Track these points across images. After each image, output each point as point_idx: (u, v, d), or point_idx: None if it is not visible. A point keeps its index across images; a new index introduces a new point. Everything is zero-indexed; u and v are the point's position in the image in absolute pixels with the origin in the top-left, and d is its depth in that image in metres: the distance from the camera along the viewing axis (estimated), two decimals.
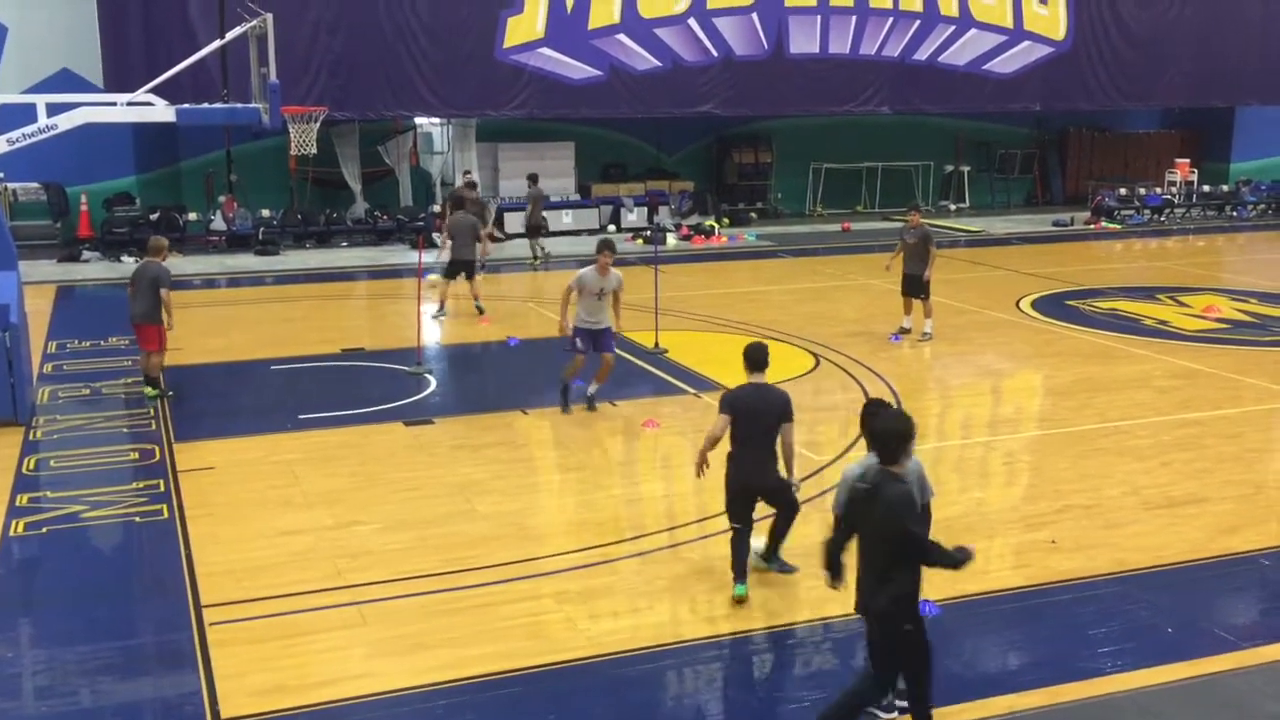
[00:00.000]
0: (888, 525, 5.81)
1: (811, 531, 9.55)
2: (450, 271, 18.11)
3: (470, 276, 18.05)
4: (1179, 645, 7.51)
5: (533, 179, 24.02)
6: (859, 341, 16.08)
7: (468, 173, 24.47)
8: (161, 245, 13.46)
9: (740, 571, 8.08)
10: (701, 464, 8.22)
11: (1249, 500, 10.11)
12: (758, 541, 8.35)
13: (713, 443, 8.09)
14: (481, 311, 17.96)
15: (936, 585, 8.26)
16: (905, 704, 6.71)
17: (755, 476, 8.02)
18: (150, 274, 13.03)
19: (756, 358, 8.20)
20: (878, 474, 5.93)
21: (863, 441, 6.90)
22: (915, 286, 16.09)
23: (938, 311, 16.66)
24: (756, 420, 7.96)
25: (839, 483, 6.75)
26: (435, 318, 17.73)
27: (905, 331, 16.35)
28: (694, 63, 26.64)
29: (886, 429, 5.99)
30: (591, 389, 12.84)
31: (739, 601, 8.02)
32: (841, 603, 7.39)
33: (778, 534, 8.38)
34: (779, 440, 8.04)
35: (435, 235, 25.40)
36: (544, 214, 24.24)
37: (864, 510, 5.94)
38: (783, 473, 8.18)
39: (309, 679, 7.07)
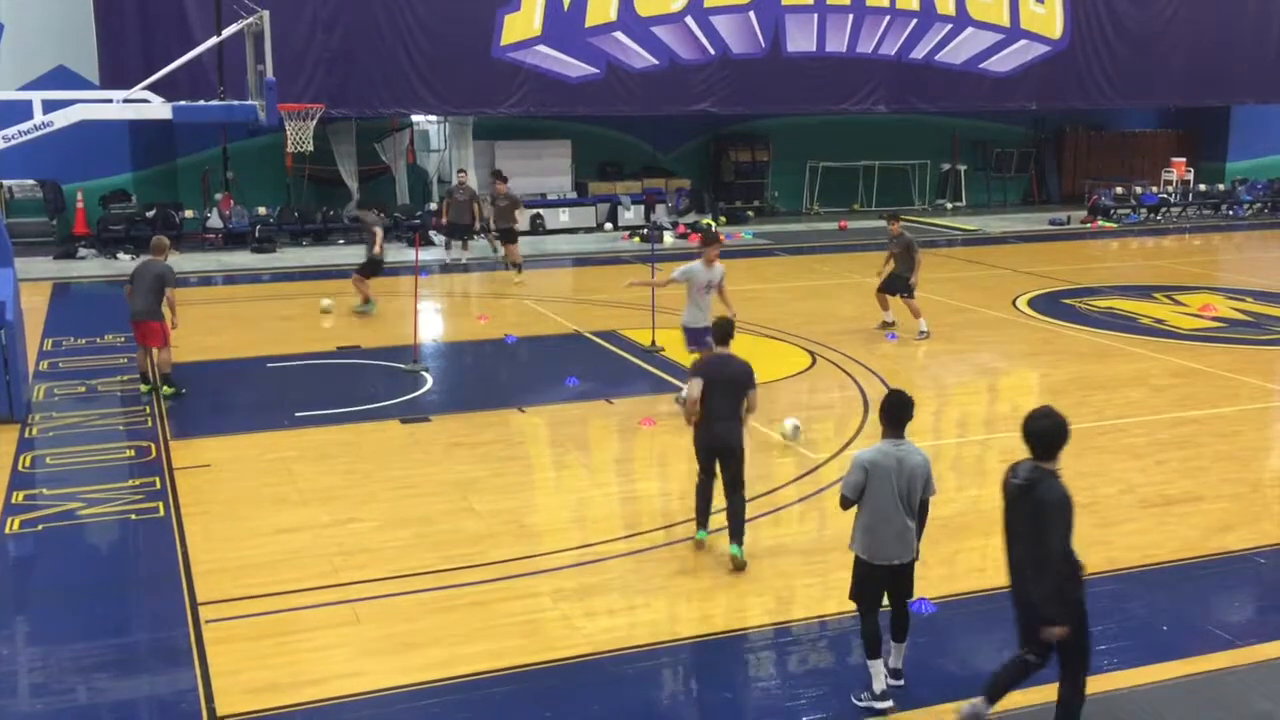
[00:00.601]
0: (1039, 521, 5.98)
1: (809, 529, 9.58)
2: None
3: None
4: (1174, 643, 7.52)
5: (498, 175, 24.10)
6: (855, 340, 16.09)
7: (461, 171, 24.44)
8: (164, 244, 13.53)
9: (702, 519, 8.89)
10: (691, 420, 8.79)
11: (1244, 499, 10.12)
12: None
13: (694, 405, 8.68)
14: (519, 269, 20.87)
15: (931, 583, 8.29)
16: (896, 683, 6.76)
17: (721, 437, 8.69)
18: (155, 271, 13.07)
19: (723, 332, 9.08)
20: (1033, 470, 6.09)
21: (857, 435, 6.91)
22: (897, 285, 16.35)
23: (935, 310, 16.68)
24: (724, 387, 8.67)
25: (852, 464, 6.82)
26: (359, 310, 18.00)
27: (889, 325, 16.52)
28: (691, 61, 26.63)
29: (1047, 428, 6.12)
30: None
31: (699, 545, 8.84)
32: (838, 601, 7.40)
33: (735, 528, 8.68)
34: (744, 405, 8.78)
35: (433, 233, 25.42)
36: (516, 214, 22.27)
37: (1017, 504, 6.10)
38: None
39: (305, 676, 7.07)
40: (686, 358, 14.90)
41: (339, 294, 18.87)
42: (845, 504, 6.86)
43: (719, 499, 8.79)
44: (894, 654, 6.99)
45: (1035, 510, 5.98)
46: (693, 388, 8.66)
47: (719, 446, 8.69)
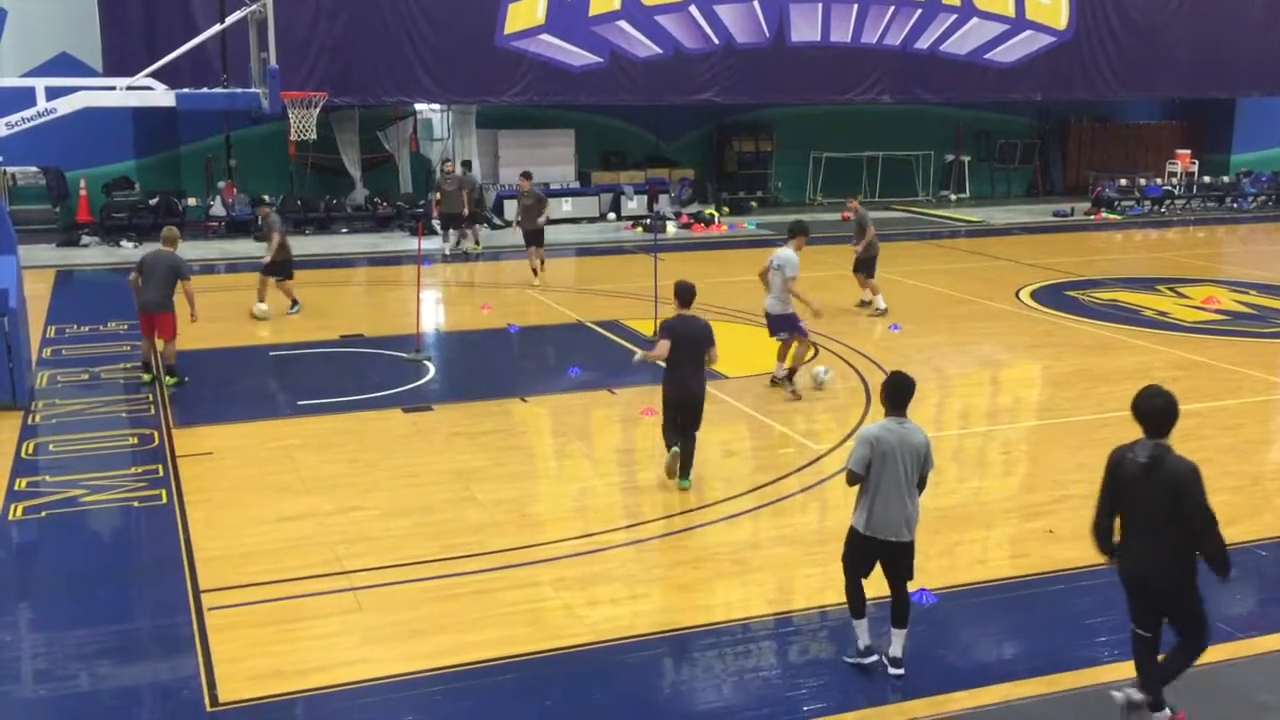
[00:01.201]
0: (1174, 497, 6.09)
1: (811, 520, 9.58)
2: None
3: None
4: (1175, 635, 7.51)
5: (466, 165, 24.41)
6: (858, 331, 16.09)
7: (447, 160, 24.25)
8: (175, 235, 13.57)
9: (668, 441, 10.14)
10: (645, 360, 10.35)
11: (1246, 491, 10.12)
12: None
13: (661, 359, 9.97)
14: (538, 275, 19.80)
15: (933, 575, 8.30)
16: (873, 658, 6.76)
17: (688, 386, 9.95)
18: (167, 263, 13.11)
19: (685, 295, 10.20)
20: (1155, 447, 6.20)
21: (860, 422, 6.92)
22: (859, 265, 17.36)
23: (939, 301, 16.68)
24: (689, 345, 9.87)
25: (859, 441, 6.90)
26: (292, 312, 17.22)
27: (864, 304, 17.42)
28: (695, 50, 26.58)
29: (1161, 406, 6.28)
30: (783, 371, 13.10)
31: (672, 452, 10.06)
32: (839, 591, 7.41)
33: (685, 467, 10.01)
34: (706, 358, 10.00)
35: (434, 221, 25.40)
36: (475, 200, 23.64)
37: (1140, 483, 6.19)
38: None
39: (307, 664, 7.09)
40: None
41: (333, 284, 18.84)
42: (854, 479, 6.91)
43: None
44: (894, 642, 7.02)
45: (1170, 484, 6.12)
46: (661, 346, 9.87)
47: (685, 395, 9.96)
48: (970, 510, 9.71)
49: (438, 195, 22.84)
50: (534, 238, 19.78)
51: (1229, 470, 10.65)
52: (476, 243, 23.35)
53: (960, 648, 7.40)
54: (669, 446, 10.09)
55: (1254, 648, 7.32)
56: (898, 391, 6.97)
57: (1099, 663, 7.17)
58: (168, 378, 13.15)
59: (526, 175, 20.81)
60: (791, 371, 13.04)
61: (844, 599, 7.26)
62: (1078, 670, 7.06)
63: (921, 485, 7.00)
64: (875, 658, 7.00)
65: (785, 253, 13.09)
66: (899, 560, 6.97)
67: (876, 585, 7.18)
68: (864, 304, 17.41)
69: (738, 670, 7.13)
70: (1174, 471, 6.14)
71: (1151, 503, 6.18)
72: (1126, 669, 7.07)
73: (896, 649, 7.01)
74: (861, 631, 7.06)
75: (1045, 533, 9.14)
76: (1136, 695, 6.42)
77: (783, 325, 13.03)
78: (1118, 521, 6.39)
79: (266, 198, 22.48)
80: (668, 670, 7.16)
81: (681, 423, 9.98)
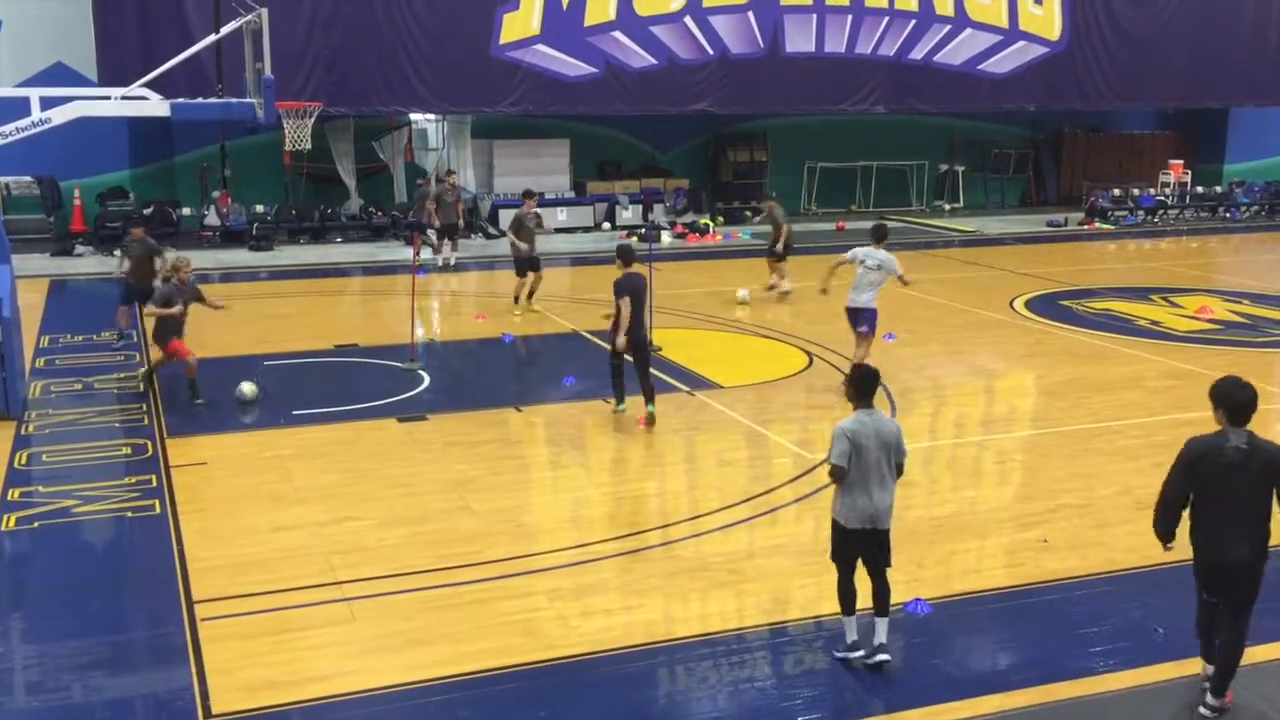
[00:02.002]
0: (1269, 480, 6.37)
1: (805, 530, 9.57)
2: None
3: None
4: (1170, 645, 7.52)
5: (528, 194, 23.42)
6: (853, 340, 16.05)
7: (451, 172, 24.26)
8: (185, 265, 13.57)
9: (621, 395, 12.43)
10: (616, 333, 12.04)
11: None
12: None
13: (628, 320, 11.87)
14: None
15: (928, 584, 8.30)
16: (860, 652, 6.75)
17: (639, 334, 12.16)
18: (189, 294, 13.38)
19: (627, 254, 12.25)
20: (1251, 436, 6.42)
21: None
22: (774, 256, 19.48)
23: (934, 311, 16.71)
24: (637, 296, 11.98)
25: (836, 436, 7.01)
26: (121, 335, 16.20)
27: (771, 289, 19.30)
28: (690, 61, 26.63)
29: (1253, 395, 6.46)
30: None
31: (619, 413, 12.32)
32: (834, 601, 7.41)
33: (648, 394, 12.17)
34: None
35: (431, 231, 25.40)
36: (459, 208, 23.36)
37: (1237, 471, 6.36)
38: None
39: (300, 674, 7.07)
40: (684, 357, 14.96)
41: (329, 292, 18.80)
42: (840, 474, 7.00)
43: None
44: (878, 629, 7.18)
45: (1268, 468, 6.36)
46: (625, 306, 11.86)
47: (638, 342, 12.16)
48: (965, 520, 9.71)
49: (434, 204, 22.76)
50: (534, 263, 18.25)
51: None
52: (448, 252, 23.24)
53: (955, 657, 7.39)
54: (619, 400, 12.41)
55: (1249, 657, 7.29)
56: (866, 383, 7.18)
57: (1094, 672, 7.17)
58: (197, 399, 13.05)
59: (531, 195, 19.32)
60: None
61: (839, 609, 7.27)
62: (1073, 680, 7.05)
63: (899, 473, 7.17)
64: (863, 652, 7.16)
65: (881, 253, 13.72)
66: (878, 549, 7.15)
67: (864, 596, 7.19)
68: (770, 288, 19.27)
69: (733, 680, 7.12)
70: (1269, 455, 6.38)
71: (1246, 489, 6.41)
72: (1122, 679, 7.09)
73: (882, 636, 7.17)
74: (850, 628, 7.24)
75: (1040, 542, 9.14)
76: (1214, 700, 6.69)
77: (868, 319, 13.67)
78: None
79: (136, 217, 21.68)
80: (663, 681, 7.15)
81: (638, 360, 12.14)
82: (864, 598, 7.24)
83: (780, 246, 19.32)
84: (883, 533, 7.10)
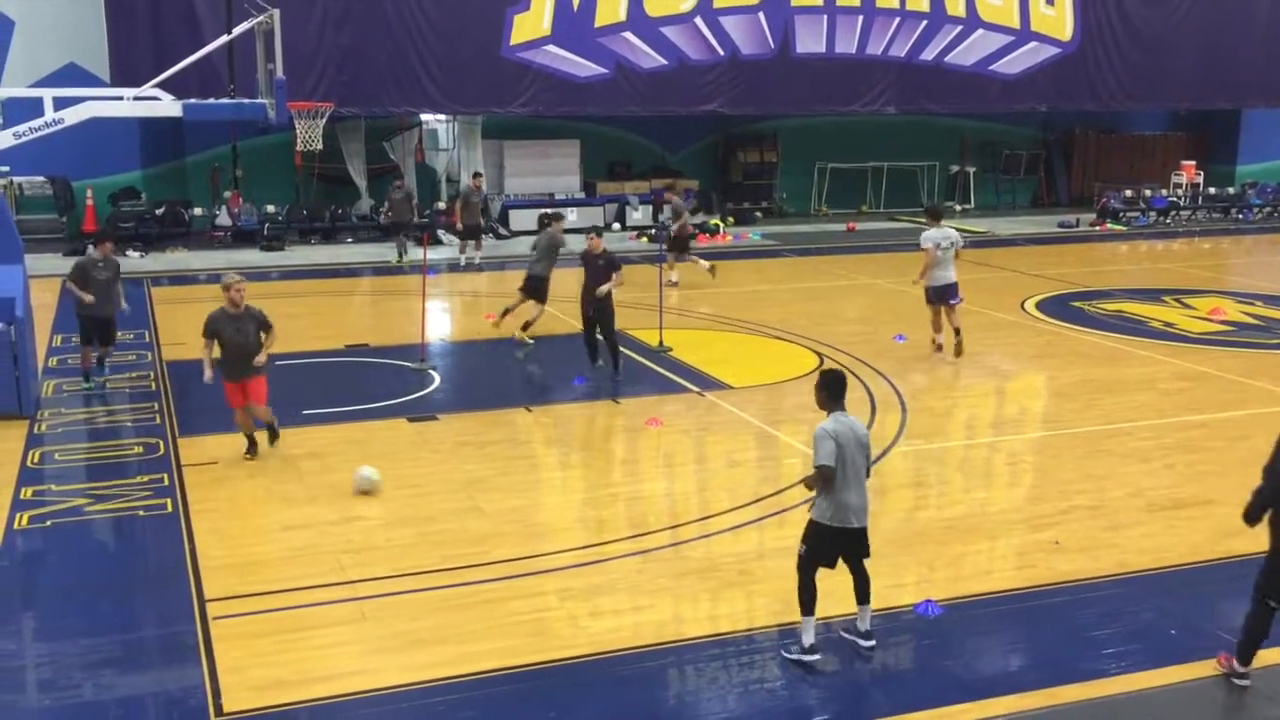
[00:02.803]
0: None
1: None
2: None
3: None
4: (1182, 647, 7.50)
5: (475, 175, 24.17)
6: (862, 341, 16.07)
7: (478, 175, 24.44)
8: (236, 284, 11.28)
9: (594, 355, 14.25)
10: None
11: None
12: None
13: (619, 284, 13.96)
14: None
15: (939, 586, 8.28)
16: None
17: (597, 302, 13.82)
18: (254, 317, 11.17)
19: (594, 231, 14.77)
20: None
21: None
22: (672, 245, 20.30)
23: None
24: (593, 270, 13.89)
25: (821, 438, 7.12)
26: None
27: (672, 284, 19.77)
28: (700, 61, 26.63)
29: None
30: (959, 338, 14.97)
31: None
32: (841, 602, 7.40)
33: (614, 361, 14.03)
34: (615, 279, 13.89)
35: (441, 232, 25.46)
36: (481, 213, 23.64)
37: None
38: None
39: (311, 674, 7.08)
40: (694, 358, 14.96)
41: (329, 293, 18.82)
42: (830, 474, 7.09)
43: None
44: (863, 617, 7.40)
45: None
46: (617, 280, 13.89)
47: (599, 306, 13.84)
48: (976, 521, 9.69)
49: (461, 205, 22.85)
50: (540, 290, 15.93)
51: (1236, 482, 10.57)
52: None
53: (965, 659, 7.37)
54: (593, 361, 14.18)
55: (1261, 660, 7.27)
56: (838, 387, 7.36)
57: (1105, 675, 7.14)
58: (272, 439, 11.27)
59: (560, 217, 17.26)
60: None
61: (847, 610, 7.27)
62: (1084, 682, 7.03)
63: (867, 473, 7.38)
64: (818, 656, 7.21)
65: (949, 230, 15.07)
66: (860, 544, 7.33)
67: (845, 604, 7.18)
68: (672, 283, 19.67)
69: (742, 681, 7.11)
70: None
71: None
72: (1133, 680, 7.06)
73: (865, 623, 7.38)
74: (809, 630, 7.25)
75: (1051, 544, 9.11)
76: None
77: (955, 291, 14.94)
78: None
79: None
80: (672, 681, 7.14)
81: (599, 320, 13.89)
82: (846, 599, 7.22)
83: (678, 233, 20.32)
84: (861, 530, 7.28)
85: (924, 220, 16.26)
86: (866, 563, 7.42)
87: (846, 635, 7.47)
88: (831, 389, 7.34)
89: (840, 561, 7.36)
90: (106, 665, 7.23)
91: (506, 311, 16.27)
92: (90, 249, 13.44)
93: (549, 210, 22.79)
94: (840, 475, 7.10)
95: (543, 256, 15.88)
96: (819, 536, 7.27)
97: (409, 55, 24.44)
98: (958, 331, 14.97)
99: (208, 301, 19.13)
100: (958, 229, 16.42)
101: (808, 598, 7.27)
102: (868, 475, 7.36)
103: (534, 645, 7.43)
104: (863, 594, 7.41)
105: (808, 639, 7.24)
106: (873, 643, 7.36)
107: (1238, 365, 14.95)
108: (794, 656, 7.24)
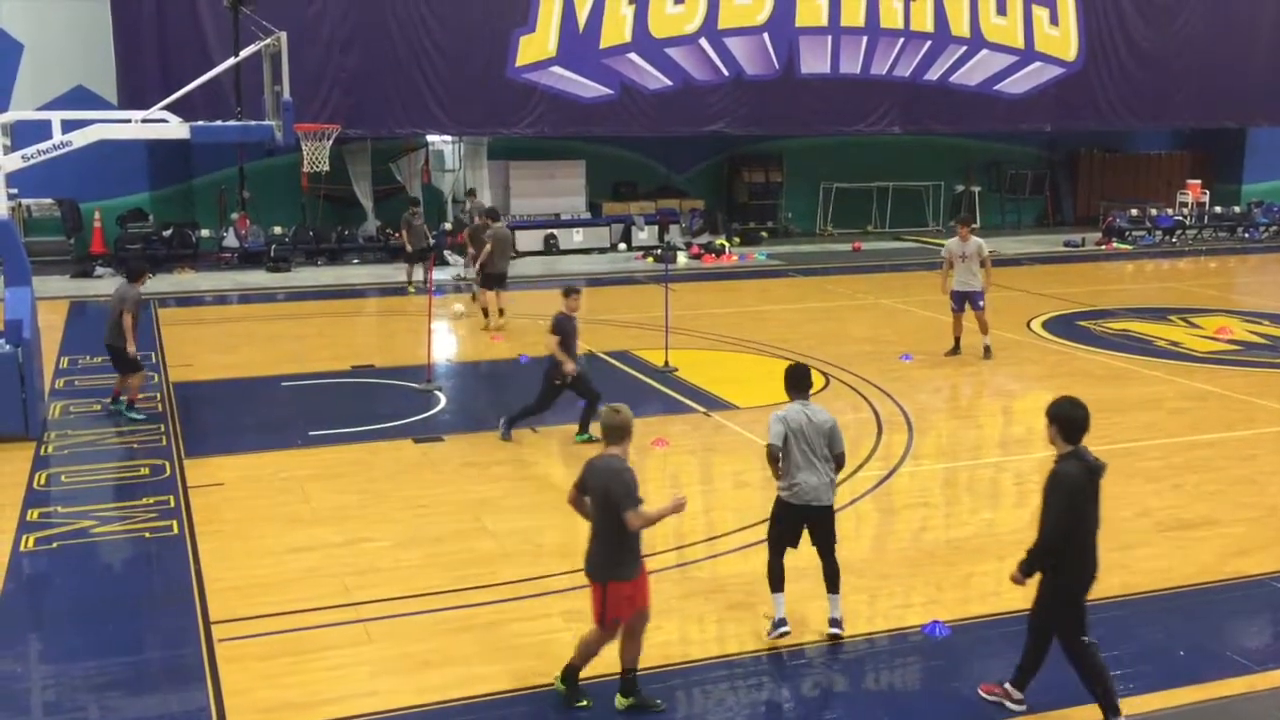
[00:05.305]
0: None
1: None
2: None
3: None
4: (1190, 668, 7.47)
5: (492, 214, 19.48)
6: (869, 361, 16.06)
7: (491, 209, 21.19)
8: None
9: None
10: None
11: (1261, 523, 10.06)
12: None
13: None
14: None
15: (947, 607, 8.25)
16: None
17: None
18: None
19: (493, 214, 16.67)
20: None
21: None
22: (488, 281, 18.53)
23: (948, 331, 16.62)
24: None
25: (772, 422, 7.65)
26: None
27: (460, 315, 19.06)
28: (705, 82, 26.70)
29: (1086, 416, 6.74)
30: (986, 340, 16.12)
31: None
32: (852, 624, 7.36)
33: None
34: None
35: (447, 253, 25.51)
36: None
37: (1094, 485, 6.61)
38: None
39: (317, 696, 7.07)
40: (700, 378, 14.95)
41: (334, 314, 18.80)
42: (775, 451, 7.60)
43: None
44: (832, 606, 7.81)
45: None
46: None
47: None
48: (983, 542, 9.66)
49: (469, 236, 20.46)
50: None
51: (1244, 502, 10.58)
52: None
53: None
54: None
55: (1271, 681, 7.25)
56: (796, 379, 7.96)
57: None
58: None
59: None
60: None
61: (855, 631, 7.24)
62: (1092, 704, 6.98)
63: (839, 464, 7.78)
64: (788, 629, 7.64)
65: (974, 240, 16.13)
66: (823, 525, 7.76)
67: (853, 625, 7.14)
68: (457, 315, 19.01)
69: (749, 703, 7.08)
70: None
71: (1094, 504, 6.65)
72: (1142, 702, 7.02)
73: (835, 611, 7.78)
74: (779, 604, 7.72)
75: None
76: None
77: (978, 297, 15.96)
78: None
79: None
80: (680, 703, 7.11)
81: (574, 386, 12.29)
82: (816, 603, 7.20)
83: (477, 265, 18.66)
84: (824, 509, 7.71)
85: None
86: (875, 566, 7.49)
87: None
88: (789, 380, 7.96)
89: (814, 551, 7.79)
90: (112, 687, 7.22)
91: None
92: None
93: (490, 207, 21.41)
94: (793, 458, 7.58)
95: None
96: (778, 514, 7.81)
97: (415, 77, 24.54)
98: (984, 331, 16.22)
99: (214, 322, 19.22)
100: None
101: (775, 577, 7.77)
102: (838, 467, 7.76)
103: (541, 667, 7.41)
104: (832, 583, 7.81)
105: (778, 614, 7.71)
106: (840, 630, 7.73)
107: (1245, 384, 14.92)
108: (772, 636, 7.67)
